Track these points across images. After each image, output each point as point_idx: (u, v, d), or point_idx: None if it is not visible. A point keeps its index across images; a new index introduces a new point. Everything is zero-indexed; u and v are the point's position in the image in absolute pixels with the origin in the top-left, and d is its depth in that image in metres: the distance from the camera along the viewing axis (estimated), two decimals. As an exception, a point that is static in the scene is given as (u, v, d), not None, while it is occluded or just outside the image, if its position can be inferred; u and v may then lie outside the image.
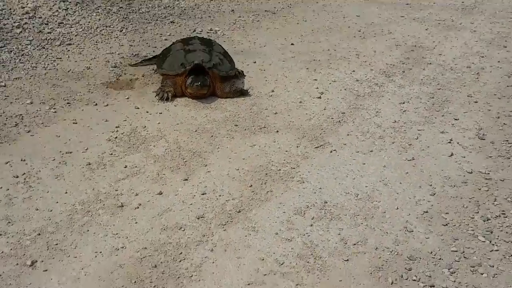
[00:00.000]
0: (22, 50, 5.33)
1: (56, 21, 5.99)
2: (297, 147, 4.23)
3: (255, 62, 5.69)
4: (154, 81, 5.08)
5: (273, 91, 5.13)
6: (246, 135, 4.34)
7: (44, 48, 5.46)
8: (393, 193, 3.72)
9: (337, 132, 4.49)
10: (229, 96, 4.84)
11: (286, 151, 4.16)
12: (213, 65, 4.79)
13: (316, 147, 4.25)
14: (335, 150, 4.22)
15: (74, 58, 5.36)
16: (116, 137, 4.17)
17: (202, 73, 4.80)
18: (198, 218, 3.34)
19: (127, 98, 4.74)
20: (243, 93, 4.86)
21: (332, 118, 4.71)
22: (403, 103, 4.98)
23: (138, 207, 3.38)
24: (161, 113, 4.58)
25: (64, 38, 5.70)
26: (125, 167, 3.79)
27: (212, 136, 4.31)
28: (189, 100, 4.81)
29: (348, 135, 4.45)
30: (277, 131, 4.43)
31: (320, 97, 5.08)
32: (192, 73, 4.80)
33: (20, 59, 5.14)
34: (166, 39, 5.99)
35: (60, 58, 5.32)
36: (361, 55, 5.99)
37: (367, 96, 5.14)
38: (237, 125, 4.48)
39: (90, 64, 5.28)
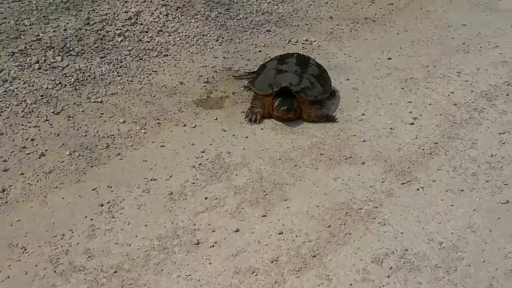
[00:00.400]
0: (121, 61, 5.50)
1: (156, 28, 6.12)
2: (382, 182, 4.10)
3: (348, 80, 5.55)
4: (244, 99, 5.08)
5: (363, 114, 4.98)
6: (331, 166, 4.26)
7: (141, 59, 5.61)
8: (480, 242, 3.53)
9: (427, 166, 4.30)
10: (315, 121, 4.74)
11: (371, 186, 4.04)
12: (301, 89, 4.71)
13: (402, 183, 4.10)
14: (422, 187, 4.06)
15: (169, 71, 5.46)
16: (200, 164, 4.22)
17: (290, 95, 4.74)
18: (272, 262, 3.33)
19: (216, 119, 4.78)
20: (329, 119, 4.75)
21: (423, 149, 4.51)
22: (503, 133, 4.67)
23: (213, 246, 3.42)
24: (247, 137, 4.58)
25: (161, 49, 5.82)
26: (206, 198, 3.84)
27: (295, 165, 4.26)
28: (276, 123, 4.78)
29: (438, 169, 4.25)
30: (363, 163, 4.31)
31: (413, 123, 4.87)
32: (281, 95, 4.75)
33: (118, 72, 5.31)
34: (260, 50, 5.97)
35: (156, 72, 5.43)
36: (462, 73, 5.67)
37: (464, 123, 4.87)
38: (322, 154, 4.41)
39: (184, 78, 5.37)
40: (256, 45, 6.11)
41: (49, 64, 5.32)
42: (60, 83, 5.06)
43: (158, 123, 4.67)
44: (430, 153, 4.49)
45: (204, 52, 5.89)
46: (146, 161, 4.22)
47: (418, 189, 4.07)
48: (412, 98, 5.29)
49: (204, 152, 4.37)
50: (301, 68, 4.89)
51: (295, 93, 4.73)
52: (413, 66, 5.89)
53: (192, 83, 5.27)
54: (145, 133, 4.54)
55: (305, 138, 4.62)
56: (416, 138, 4.68)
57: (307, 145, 4.53)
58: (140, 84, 5.20)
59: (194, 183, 4.02)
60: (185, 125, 4.67)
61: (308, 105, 4.76)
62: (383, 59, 6.00)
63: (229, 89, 5.22)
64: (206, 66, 5.61)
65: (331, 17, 6.91)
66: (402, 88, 5.47)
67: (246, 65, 5.72)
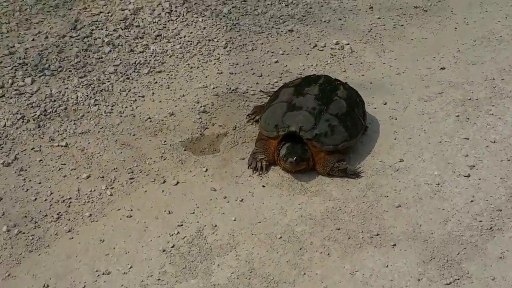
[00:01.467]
0: (103, 83, 4.47)
1: (153, 32, 5.04)
2: (419, 280, 2.92)
3: (385, 104, 4.30)
4: (246, 138, 3.97)
5: (401, 160, 3.76)
6: (348, 251, 3.13)
7: (129, 78, 4.55)
8: None
9: (485, 253, 3.10)
10: (333, 175, 3.55)
11: (401, 288, 2.86)
12: (315, 136, 3.55)
13: (446, 284, 2.91)
14: (476, 292, 2.85)
15: (159, 95, 4.37)
16: (173, 246, 3.18)
17: (301, 141, 3.56)
18: None
19: (205, 171, 3.69)
20: (349, 174, 3.61)
21: (480, 222, 3.29)
22: None
23: None
24: (242, 200, 3.47)
25: (155, 62, 4.74)
26: (170, 309, 2.77)
27: (300, 248, 3.15)
28: (283, 175, 3.69)
29: (501, 258, 3.04)
30: (394, 245, 3.15)
31: (468, 176, 3.63)
32: (289, 140, 3.58)
33: (96, 99, 4.29)
34: (276, 61, 4.78)
35: (143, 97, 4.36)
36: (539, 90, 4.30)
37: (540, 174, 3.57)
38: (339, 229, 3.27)
39: (176, 106, 4.27)
40: (272, 52, 4.91)
41: (15, 89, 4.32)
42: (22, 117, 4.07)
43: (131, 179, 3.61)
44: (491, 228, 3.27)
45: (207, 65, 4.76)
46: (103, 241, 3.20)
47: (469, 295, 2.87)
48: (470, 132, 4.02)
49: (181, 225, 3.31)
50: (322, 104, 3.72)
51: (307, 141, 3.54)
52: (473, 79, 4.57)
53: (185, 114, 4.16)
54: (111, 195, 3.50)
55: (319, 201, 3.46)
56: (471, 201, 3.45)
57: (320, 213, 3.37)
58: (120, 117, 4.14)
59: (159, 279, 2.98)
60: (164, 182, 3.60)
61: (324, 155, 3.57)
62: (434, 70, 4.69)
63: (230, 121, 4.09)
64: (206, 86, 4.48)
65: (371, 8, 5.59)
66: (457, 116, 4.19)
67: (257, 83, 4.55)
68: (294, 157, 3.52)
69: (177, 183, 3.62)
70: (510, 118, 4.17)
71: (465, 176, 3.65)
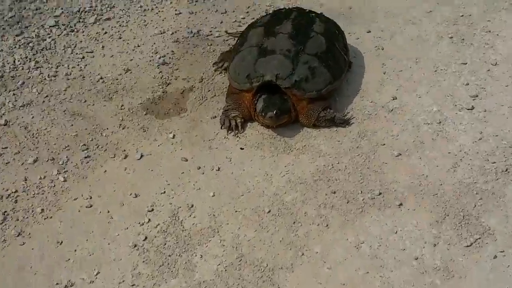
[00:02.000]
0: (43, 39, 3.84)
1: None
2: (435, 245, 2.51)
3: (368, 32, 3.77)
4: (216, 91, 3.43)
5: (394, 98, 3.28)
6: (349, 218, 2.70)
7: (73, 31, 3.94)
8: None
9: (504, 201, 2.68)
10: (320, 126, 3.09)
11: (416, 258, 2.47)
12: (295, 83, 3.04)
13: (467, 246, 2.51)
14: (502, 251, 2.46)
15: (111, 48, 3.77)
16: (145, 239, 2.71)
17: (279, 91, 3.04)
18: None
19: (173, 137, 3.17)
20: (337, 123, 3.18)
21: (493, 163, 2.87)
22: None
23: None
24: (219, 169, 2.98)
25: (102, 7, 4.10)
26: (150, 323, 2.34)
27: (294, 223, 2.71)
28: (263, 132, 3.18)
29: (523, 205, 2.62)
30: (400, 204, 2.71)
31: (472, 108, 3.17)
32: (265, 92, 3.05)
33: (36, 60, 3.67)
34: (241, -8, 4.13)
35: (91, 53, 3.76)
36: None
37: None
38: (335, 192, 2.81)
39: (131, 60, 3.70)
40: (237, -19, 4.24)
41: None
42: (-49, 94, 3.44)
43: (86, 157, 3.09)
44: (507, 170, 2.83)
45: (162, 5, 4.16)
46: (61, 243, 2.72)
47: (494, 257, 2.47)
48: (467, 55, 3.53)
49: (152, 211, 2.82)
50: (298, 44, 3.19)
51: (286, 89, 3.01)
52: (470, -12, 3.99)
53: (143, 68, 3.60)
54: (65, 181, 2.98)
55: (308, 159, 2.99)
56: (480, 139, 3.01)
57: (310, 174, 2.91)
58: (67, 80, 3.57)
59: (133, 285, 2.51)
60: (126, 157, 3.08)
61: (306, 103, 3.09)
62: (420, -15, 4.09)
63: (195, 72, 3.55)
64: (164, 32, 3.88)
65: None
66: (451, 38, 3.68)
67: (221, 23, 3.97)
68: (274, 110, 3.01)
69: (141, 156, 3.10)
70: (509, 33, 3.64)
71: (468, 109, 3.19)
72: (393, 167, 2.93)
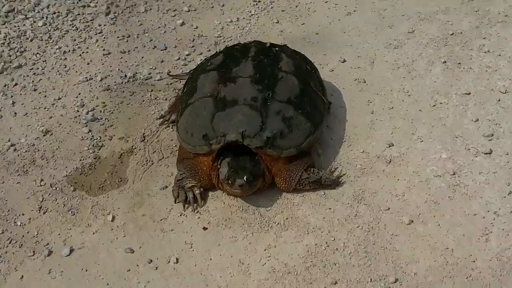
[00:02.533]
0: None
1: (2, 6, 3.50)
2: None
3: (344, 62, 3.08)
4: (164, 152, 2.67)
5: (390, 145, 2.63)
6: (362, 323, 1.93)
7: (-25, 82, 3.05)
8: None
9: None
10: (303, 190, 2.46)
11: None
12: (267, 140, 2.38)
13: None
14: None
15: (24, 104, 2.94)
16: None
17: (246, 150, 2.29)
18: None
19: (112, 220, 2.36)
20: (325, 184, 2.49)
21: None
22: None
23: None
24: (177, 260, 2.26)
25: (11, 52, 3.25)
26: None
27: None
28: (231, 207, 2.45)
29: None
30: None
31: (490, 152, 2.52)
32: (228, 152, 2.37)
33: None
34: (182, 23, 3.48)
35: (-1, 111, 2.90)
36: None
37: None
38: (336, 283, 2.09)
39: (51, 117, 2.87)
40: (175, 10, 3.57)
41: None
42: None
43: (-4, 259, 2.22)
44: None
45: (86, 44, 3.33)
46: None
47: None
48: (469, 83, 2.90)
49: (89, 335, 1.97)
50: (264, 89, 2.50)
51: (256, 150, 2.35)
52: (447, 4, 3.37)
53: (67, 128, 2.81)
54: (-33, 298, 2.10)
55: (293, 237, 2.31)
56: (510, 193, 2.31)
57: (299, 258, 2.22)
58: (-32, 150, 2.68)
59: None
60: (50, 253, 2.28)
61: (284, 164, 2.43)
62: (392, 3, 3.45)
63: (135, 128, 2.78)
64: (91, 78, 3.10)
65: None
66: (444, 62, 3.02)
67: (162, 62, 3.20)
68: (244, 176, 2.30)
69: (71, 251, 2.30)
70: (512, 51, 3.03)
71: (485, 154, 2.55)
72: (406, 241, 2.24)
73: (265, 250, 2.27)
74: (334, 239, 2.28)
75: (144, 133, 2.79)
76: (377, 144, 2.64)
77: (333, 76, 3.02)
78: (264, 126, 2.38)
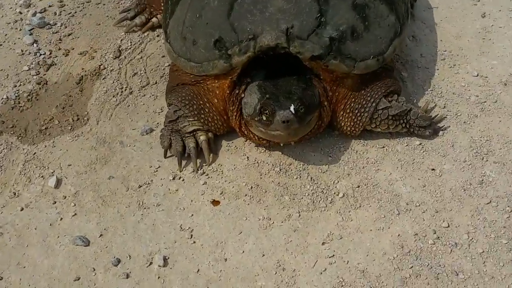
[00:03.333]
0: None
1: None
2: None
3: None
4: (153, 76, 1.61)
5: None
6: None
7: None
8: None
9: None
10: (380, 130, 1.47)
11: None
12: (330, 44, 1.37)
13: None
14: None
15: None
16: None
17: (289, 67, 1.35)
18: None
19: (56, 187, 1.44)
20: (416, 125, 1.47)
21: None
22: None
23: None
24: (165, 259, 1.16)
25: None
26: None
27: None
28: (257, 164, 1.46)
29: None
30: None
31: None
32: (257, 73, 1.39)
33: None
34: None
35: None
36: None
37: None
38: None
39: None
40: None
41: None
42: None
43: None
44: None
45: None
46: None
47: None
48: None
49: None
50: None
51: (311, 62, 1.36)
52: None
53: (0, 36, 1.69)
54: None
55: (372, 221, 1.30)
56: None
57: (386, 268, 1.17)
58: None
59: None
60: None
61: (351, 89, 1.46)
62: None
63: (105, 38, 1.78)
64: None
65: None
66: None
67: None
68: (290, 105, 1.34)
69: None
70: None
71: None
72: None
73: (323, 244, 1.24)
74: (449, 225, 1.24)
75: (120, 46, 1.77)
76: (499, 64, 1.55)
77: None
78: (323, 19, 1.32)
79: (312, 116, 1.38)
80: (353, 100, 1.45)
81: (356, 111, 1.45)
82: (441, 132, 1.48)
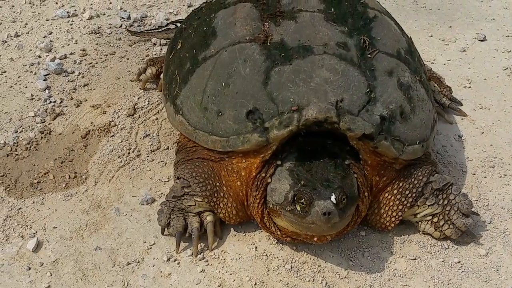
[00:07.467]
0: None
1: None
2: None
3: (483, 40, 1.79)
4: (166, 140, 1.43)
5: None
6: None
7: None
8: None
9: None
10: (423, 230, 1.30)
11: None
12: (381, 123, 1.21)
13: None
14: None
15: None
16: None
17: (323, 154, 1.18)
18: None
19: (34, 251, 1.24)
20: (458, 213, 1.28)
21: None
22: None
23: None
24: None
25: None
26: None
27: None
28: (268, 252, 1.28)
29: None
30: None
31: None
32: (288, 153, 1.22)
33: None
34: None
35: None
36: None
37: None
38: None
39: (-5, 59, 1.68)
40: None
41: None
42: None
43: None
44: None
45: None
46: None
47: None
48: None
49: None
50: (352, 32, 1.34)
51: (358, 142, 1.20)
52: None
53: (13, 77, 1.59)
54: None
55: None
56: None
57: None
58: None
59: None
60: None
61: (396, 174, 1.28)
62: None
63: (122, 94, 1.58)
64: (75, 13, 2.02)
65: None
66: None
67: (189, 6, 1.95)
68: (332, 194, 1.15)
69: None
70: None
71: None
72: None
73: None
74: None
75: (136, 104, 1.59)
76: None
77: (466, 58, 1.76)
78: (373, 94, 1.23)
79: (352, 208, 1.19)
80: (400, 185, 1.26)
81: (407, 192, 1.26)
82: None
